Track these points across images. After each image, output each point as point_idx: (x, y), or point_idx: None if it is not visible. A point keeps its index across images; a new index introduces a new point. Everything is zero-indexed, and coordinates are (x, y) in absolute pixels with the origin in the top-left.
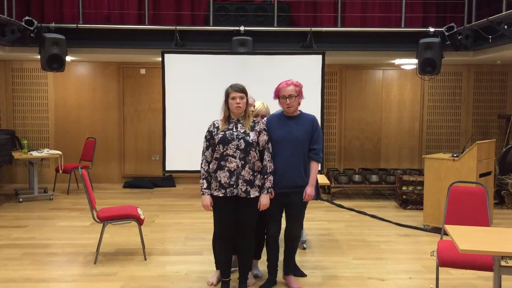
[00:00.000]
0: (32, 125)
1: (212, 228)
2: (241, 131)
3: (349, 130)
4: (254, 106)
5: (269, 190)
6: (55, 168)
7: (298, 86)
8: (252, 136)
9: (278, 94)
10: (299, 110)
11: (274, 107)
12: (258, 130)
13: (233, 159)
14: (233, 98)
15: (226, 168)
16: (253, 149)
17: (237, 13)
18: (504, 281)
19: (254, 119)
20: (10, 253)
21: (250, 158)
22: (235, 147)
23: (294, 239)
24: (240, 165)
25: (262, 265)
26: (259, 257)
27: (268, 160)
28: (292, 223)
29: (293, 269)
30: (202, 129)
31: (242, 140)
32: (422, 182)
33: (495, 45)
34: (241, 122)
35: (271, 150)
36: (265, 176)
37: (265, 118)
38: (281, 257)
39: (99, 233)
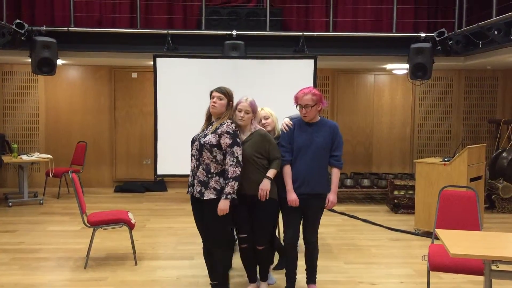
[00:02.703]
0: (23, 128)
1: None
2: (205, 132)
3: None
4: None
5: (228, 196)
6: (46, 172)
7: (316, 95)
8: (208, 137)
9: (296, 102)
10: (320, 117)
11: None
12: (219, 132)
13: (193, 159)
14: (212, 98)
15: (190, 168)
16: (206, 151)
17: (229, 17)
18: (494, 285)
19: (227, 121)
20: None
21: (203, 159)
22: (196, 147)
23: (309, 244)
24: (196, 166)
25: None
26: (270, 262)
27: (230, 165)
28: (308, 228)
29: (315, 278)
30: (194, 133)
31: (198, 141)
32: (413, 186)
33: (485, 51)
34: (214, 124)
35: (236, 155)
36: (226, 181)
37: (286, 119)
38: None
39: (89, 238)
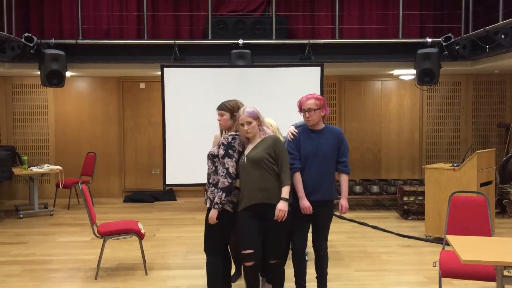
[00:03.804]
0: (32, 140)
1: None
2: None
3: (349, 141)
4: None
5: (215, 206)
6: (56, 184)
7: (319, 100)
8: (213, 148)
9: (300, 108)
10: (324, 124)
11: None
12: (219, 143)
13: None
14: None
15: None
16: (209, 160)
17: (235, 26)
18: None
19: (230, 133)
20: (10, 270)
21: (207, 169)
22: None
23: (319, 251)
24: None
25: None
26: (282, 280)
27: (221, 175)
28: (318, 235)
29: (325, 286)
30: (201, 142)
31: None
32: (423, 192)
33: (492, 55)
34: None
35: (226, 166)
36: (215, 191)
37: (291, 127)
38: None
39: (99, 248)
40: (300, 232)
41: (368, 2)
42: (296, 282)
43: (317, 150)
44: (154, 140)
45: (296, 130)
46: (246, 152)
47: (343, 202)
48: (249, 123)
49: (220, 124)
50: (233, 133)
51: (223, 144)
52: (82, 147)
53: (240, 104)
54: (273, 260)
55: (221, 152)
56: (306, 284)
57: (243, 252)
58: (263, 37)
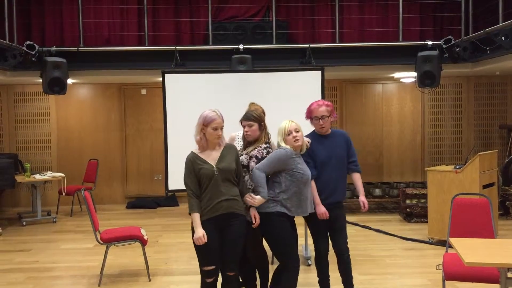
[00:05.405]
0: (35, 148)
1: None
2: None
3: None
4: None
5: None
6: (58, 191)
7: (329, 106)
8: (241, 158)
9: (311, 115)
10: (330, 128)
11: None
12: (250, 155)
13: None
14: (243, 127)
15: None
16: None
17: (235, 31)
18: None
19: (264, 145)
20: (14, 278)
21: None
22: None
23: (343, 253)
24: None
25: None
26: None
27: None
28: (339, 237)
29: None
30: None
31: None
32: (425, 195)
33: (493, 57)
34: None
35: None
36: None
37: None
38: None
39: (103, 255)
40: (320, 235)
41: (368, 6)
42: (319, 282)
43: (330, 155)
44: (156, 146)
45: (308, 139)
46: (212, 161)
47: (363, 198)
48: (222, 128)
49: (248, 135)
50: (265, 145)
51: (256, 157)
52: (84, 154)
53: (262, 109)
54: (232, 272)
55: (252, 164)
56: None
57: (204, 268)
58: (263, 42)
